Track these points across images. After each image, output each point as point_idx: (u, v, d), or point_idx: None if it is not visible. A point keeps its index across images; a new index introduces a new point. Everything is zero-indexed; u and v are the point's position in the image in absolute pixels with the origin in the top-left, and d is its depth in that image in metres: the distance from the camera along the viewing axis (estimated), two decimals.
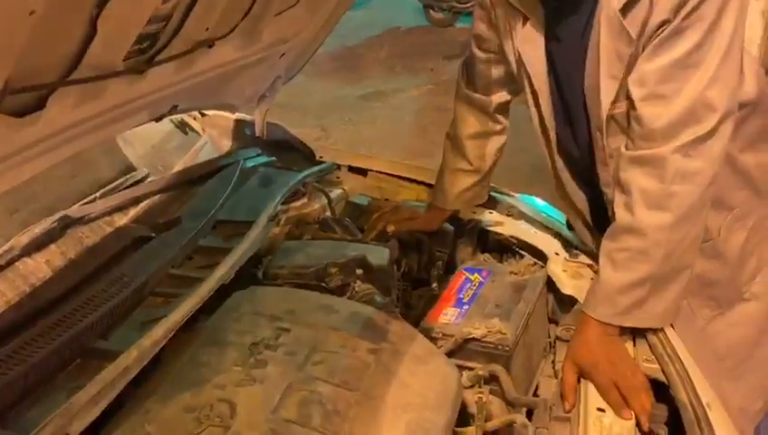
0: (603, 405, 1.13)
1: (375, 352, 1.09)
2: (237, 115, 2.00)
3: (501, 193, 1.76)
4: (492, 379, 1.21)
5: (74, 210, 1.37)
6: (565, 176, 1.39)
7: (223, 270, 1.24)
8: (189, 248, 1.34)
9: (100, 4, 0.83)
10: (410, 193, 1.87)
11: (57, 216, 1.31)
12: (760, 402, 1.46)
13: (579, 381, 1.19)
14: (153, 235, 1.36)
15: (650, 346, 1.22)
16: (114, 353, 1.01)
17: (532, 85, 1.30)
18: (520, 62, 1.31)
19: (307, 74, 1.80)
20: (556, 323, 1.47)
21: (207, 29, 1.15)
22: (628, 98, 1.15)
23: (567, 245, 1.56)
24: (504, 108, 1.54)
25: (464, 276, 1.48)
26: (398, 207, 1.72)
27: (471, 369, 1.23)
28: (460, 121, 1.56)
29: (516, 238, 1.61)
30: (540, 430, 1.12)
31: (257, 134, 1.78)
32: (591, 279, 1.39)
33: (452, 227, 1.68)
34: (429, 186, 1.79)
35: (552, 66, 1.28)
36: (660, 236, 1.14)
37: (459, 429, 1.09)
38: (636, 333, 1.24)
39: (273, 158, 1.88)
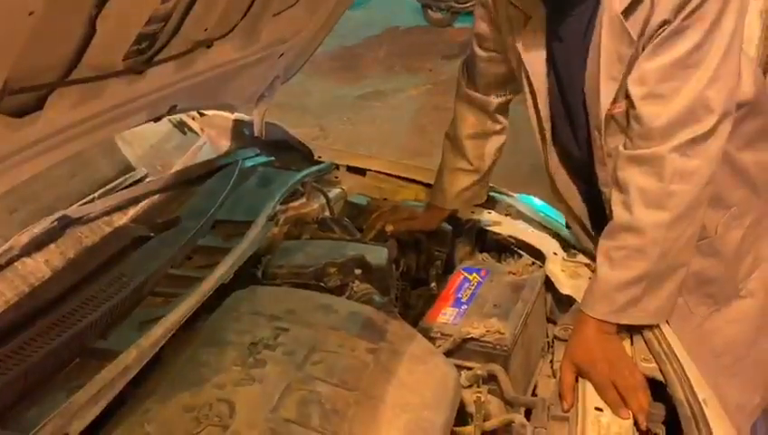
0: (601, 404, 1.13)
1: (374, 351, 1.09)
2: (236, 115, 2.00)
3: (499, 193, 1.77)
4: (490, 378, 1.21)
5: (73, 210, 1.37)
6: (561, 175, 1.39)
7: (222, 270, 1.24)
8: (188, 248, 1.35)
9: (100, 5, 0.83)
10: (409, 193, 1.87)
11: (56, 215, 1.31)
12: (757, 398, 1.47)
13: (577, 381, 1.19)
14: (152, 235, 1.36)
15: (647, 344, 1.22)
16: (113, 353, 1.01)
17: (531, 85, 1.31)
18: (520, 61, 1.31)
19: (306, 74, 1.80)
20: (554, 322, 1.48)
21: (206, 29, 1.15)
22: (628, 97, 1.15)
23: (565, 244, 1.56)
24: (504, 107, 1.54)
25: (462, 276, 1.49)
26: (396, 207, 1.72)
27: (469, 368, 1.23)
28: (460, 121, 1.56)
29: (514, 238, 1.62)
30: (538, 430, 1.12)
31: (256, 134, 1.78)
32: (589, 279, 1.39)
33: (450, 227, 1.68)
34: (428, 185, 1.79)
35: (553, 66, 1.28)
36: (658, 234, 1.14)
37: (457, 428, 1.09)
38: (633, 332, 1.25)
39: (272, 158, 1.88)
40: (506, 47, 1.38)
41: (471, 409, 1.17)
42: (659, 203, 1.13)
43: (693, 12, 1.05)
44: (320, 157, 1.97)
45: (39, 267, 1.22)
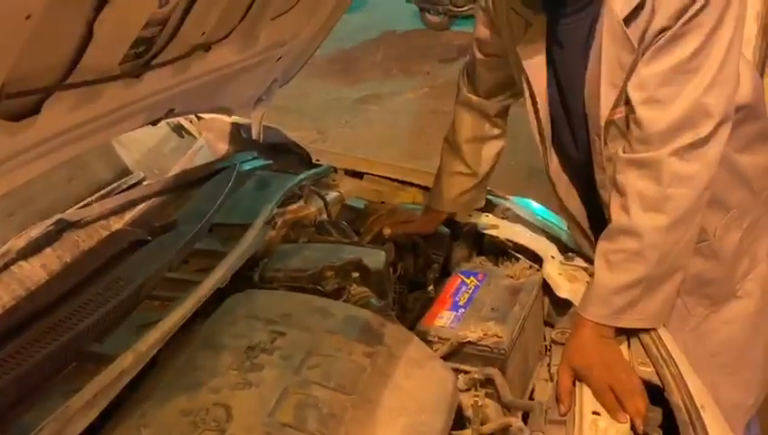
0: (599, 408, 1.13)
1: (371, 355, 1.09)
2: (234, 118, 2.00)
3: (497, 196, 1.77)
4: (487, 382, 1.21)
5: (71, 214, 1.37)
6: (561, 179, 1.40)
7: (219, 274, 1.24)
8: (185, 252, 1.34)
9: (97, 8, 0.83)
10: (406, 196, 1.87)
11: (53, 219, 1.31)
12: (752, 398, 1.48)
13: (574, 385, 1.19)
14: (149, 238, 1.36)
15: (645, 348, 1.22)
16: (110, 357, 1.01)
17: (531, 90, 1.31)
18: (520, 66, 1.32)
19: (304, 77, 1.79)
20: (552, 326, 1.48)
21: (204, 33, 1.15)
22: (628, 102, 1.15)
23: (563, 248, 1.56)
24: (503, 112, 1.55)
25: (459, 280, 1.49)
26: (394, 210, 1.72)
27: (467, 372, 1.23)
28: (459, 125, 1.57)
29: (512, 241, 1.62)
30: (535, 434, 1.12)
31: (254, 137, 1.78)
32: (587, 282, 1.39)
33: (448, 230, 1.68)
34: (425, 189, 1.79)
35: (553, 72, 1.28)
36: (656, 237, 1.14)
37: (455, 432, 1.09)
38: (630, 336, 1.25)
39: (270, 161, 1.88)
40: (507, 52, 1.38)
41: (468, 413, 1.17)
42: (657, 207, 1.14)
43: (692, 18, 1.06)
44: (317, 160, 1.97)
45: (36, 271, 1.22)
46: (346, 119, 5.62)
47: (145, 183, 1.66)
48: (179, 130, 1.95)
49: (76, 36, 0.85)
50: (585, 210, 1.41)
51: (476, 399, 1.19)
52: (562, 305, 1.44)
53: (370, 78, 6.60)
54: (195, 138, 1.97)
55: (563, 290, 1.41)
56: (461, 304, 1.39)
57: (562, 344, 1.33)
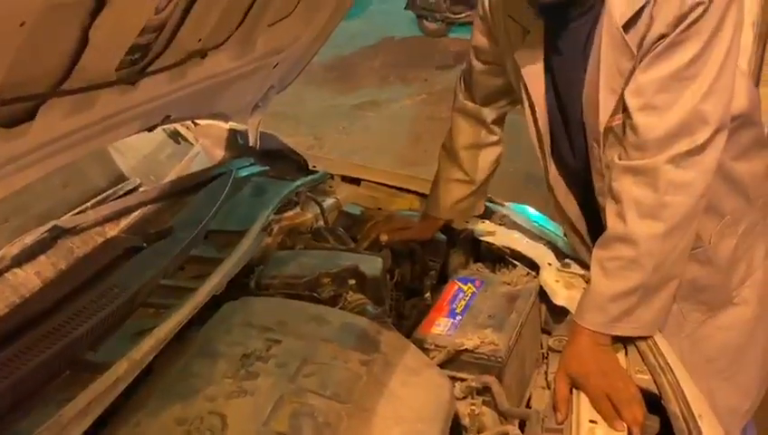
0: (596, 417, 1.12)
1: (367, 363, 1.08)
2: (230, 125, 1.99)
3: (494, 202, 1.77)
4: (484, 390, 1.21)
5: (65, 220, 1.36)
6: (560, 186, 1.40)
7: (214, 281, 1.23)
8: (181, 259, 1.34)
9: (93, 15, 0.82)
10: (403, 202, 1.87)
11: (48, 226, 1.30)
12: (748, 403, 1.48)
13: (571, 393, 1.18)
14: (144, 245, 1.35)
15: (642, 356, 1.22)
16: (104, 365, 1.00)
17: (529, 97, 1.32)
18: (518, 74, 1.32)
19: (301, 83, 1.79)
20: (549, 333, 1.47)
21: (200, 40, 1.15)
22: (625, 109, 1.16)
23: (559, 254, 1.56)
24: (500, 119, 1.55)
25: (456, 286, 1.48)
26: (391, 217, 1.72)
27: (463, 380, 1.22)
28: (456, 132, 1.57)
29: (509, 248, 1.61)
30: None
31: (250, 144, 1.78)
32: (584, 289, 1.39)
33: (445, 237, 1.68)
34: (422, 195, 1.79)
35: (551, 79, 1.28)
36: (652, 245, 1.14)
37: None
38: (627, 344, 1.24)
39: (267, 167, 1.88)
40: (504, 60, 1.38)
41: (465, 421, 1.16)
42: (654, 214, 1.14)
43: (690, 25, 1.06)
44: (314, 166, 1.97)
45: (30, 278, 1.21)
46: (343, 125, 5.63)
47: (141, 189, 1.65)
48: (176, 136, 1.94)
49: (71, 43, 0.85)
50: (584, 217, 1.41)
51: (473, 407, 1.18)
52: (559, 313, 1.44)
53: (368, 84, 6.61)
54: (191, 144, 1.97)
55: (560, 297, 1.41)
56: (458, 311, 1.39)
57: (559, 352, 1.33)
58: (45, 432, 0.88)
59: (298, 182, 1.77)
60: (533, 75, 1.29)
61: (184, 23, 1.03)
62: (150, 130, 1.26)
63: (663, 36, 1.09)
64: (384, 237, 1.59)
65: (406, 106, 6.02)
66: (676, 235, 1.15)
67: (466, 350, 1.26)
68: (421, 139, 5.07)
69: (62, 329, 1.07)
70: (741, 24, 1.11)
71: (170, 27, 1.02)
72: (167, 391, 1.03)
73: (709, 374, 1.37)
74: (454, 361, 1.26)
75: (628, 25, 1.11)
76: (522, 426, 1.17)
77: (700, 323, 1.40)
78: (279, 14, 1.34)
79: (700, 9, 1.05)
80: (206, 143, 1.99)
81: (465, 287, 1.47)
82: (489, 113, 1.53)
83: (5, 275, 1.20)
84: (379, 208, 1.83)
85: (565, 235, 1.57)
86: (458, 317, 1.36)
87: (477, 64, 1.48)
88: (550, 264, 1.52)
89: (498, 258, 1.64)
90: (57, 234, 1.30)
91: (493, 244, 1.64)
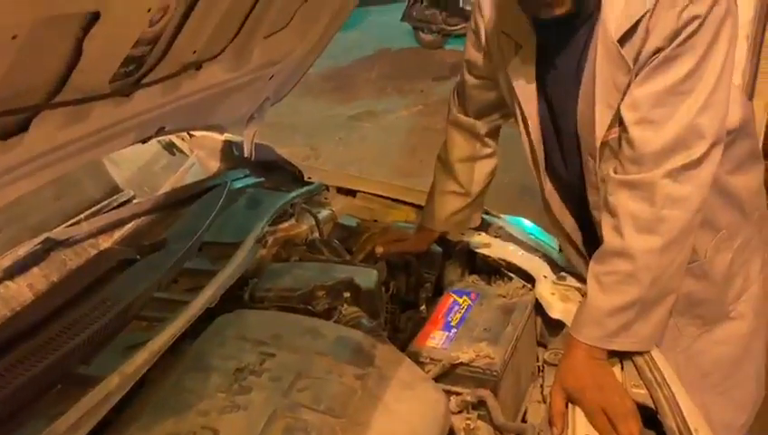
0: (591, 432, 1.12)
1: (361, 377, 1.08)
2: (226, 136, 1.99)
3: (489, 214, 1.76)
4: (480, 404, 1.20)
5: (58, 232, 1.35)
6: (555, 200, 1.39)
7: (208, 293, 1.22)
8: (175, 271, 1.33)
9: (86, 28, 0.82)
10: (399, 214, 1.87)
11: (41, 238, 1.30)
12: (743, 417, 1.47)
13: (567, 407, 1.18)
14: (138, 257, 1.34)
15: (638, 370, 1.21)
16: (96, 379, 0.99)
17: (523, 112, 1.31)
18: (511, 89, 1.32)
19: (298, 94, 1.79)
20: (545, 346, 1.46)
21: (195, 51, 1.14)
22: (621, 122, 1.15)
23: (555, 267, 1.55)
24: (494, 132, 1.55)
25: (452, 299, 1.48)
26: (386, 229, 1.72)
27: (459, 394, 1.22)
28: (451, 145, 1.57)
29: (504, 260, 1.61)
30: None
31: (246, 155, 1.78)
32: (580, 302, 1.38)
33: (440, 249, 1.68)
34: (418, 207, 1.78)
35: (544, 93, 1.28)
36: (649, 259, 1.14)
37: None
38: (623, 358, 1.24)
39: (262, 179, 1.87)
40: (497, 74, 1.38)
41: None
42: (651, 228, 1.13)
43: (687, 39, 1.06)
44: (310, 178, 1.97)
45: (22, 291, 1.20)
46: (340, 136, 5.64)
47: (135, 201, 1.64)
48: (170, 147, 1.94)
49: (65, 55, 0.84)
50: (579, 230, 1.41)
51: (468, 421, 1.17)
52: (555, 326, 1.43)
53: (364, 95, 6.63)
54: (186, 155, 1.96)
55: (556, 310, 1.40)
56: (453, 324, 1.38)
57: (555, 365, 1.32)
58: None
59: (293, 194, 1.76)
60: (526, 90, 1.29)
61: (179, 35, 1.03)
62: (145, 141, 1.25)
63: (659, 50, 1.09)
64: (379, 250, 1.59)
65: (402, 117, 6.04)
66: (674, 249, 1.15)
67: (462, 363, 1.25)
68: (417, 150, 5.07)
69: (54, 342, 1.06)
70: (735, 38, 1.11)
71: (165, 39, 1.02)
72: (159, 405, 1.02)
73: (705, 389, 1.36)
74: (449, 374, 1.26)
75: (624, 39, 1.11)
76: None
77: (696, 337, 1.40)
78: (274, 27, 1.34)
79: (696, 23, 1.05)
80: (201, 154, 1.98)
81: (460, 300, 1.47)
82: (483, 126, 1.53)
83: None
84: (375, 220, 1.83)
85: (560, 248, 1.57)
86: (454, 330, 1.36)
87: (470, 78, 1.48)
88: (545, 276, 1.51)
89: (494, 270, 1.64)
90: (50, 246, 1.29)
91: (488, 256, 1.63)
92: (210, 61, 1.20)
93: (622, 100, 1.14)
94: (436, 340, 1.33)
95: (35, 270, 1.25)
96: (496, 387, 1.22)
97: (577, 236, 1.42)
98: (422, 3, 7.69)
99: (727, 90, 1.12)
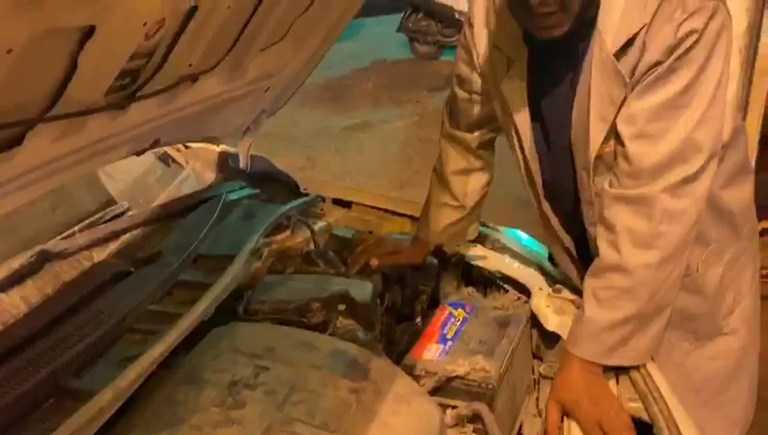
0: None
1: (356, 391, 1.07)
2: (221, 147, 1.99)
3: (485, 226, 1.76)
4: (475, 418, 1.19)
5: (53, 244, 1.34)
6: (551, 215, 1.39)
7: (202, 306, 1.22)
8: (169, 284, 1.33)
9: (82, 42, 0.82)
10: (394, 226, 1.87)
11: (35, 250, 1.29)
12: (736, 432, 1.47)
13: (562, 420, 1.17)
14: (132, 270, 1.34)
15: (633, 384, 1.21)
16: (89, 393, 0.99)
17: (516, 128, 1.31)
18: (504, 104, 1.31)
19: (294, 104, 1.79)
20: (540, 359, 1.46)
21: (191, 64, 1.15)
22: (616, 136, 1.16)
23: (550, 279, 1.55)
24: (487, 145, 1.55)
25: (448, 311, 1.47)
26: (381, 241, 1.71)
27: (454, 407, 1.21)
28: (445, 158, 1.57)
29: (500, 272, 1.61)
30: None
31: (241, 166, 1.78)
32: (575, 314, 1.38)
33: (436, 261, 1.67)
34: (413, 218, 1.78)
35: (538, 109, 1.28)
36: (646, 274, 1.14)
37: None
38: (619, 372, 1.23)
39: (257, 190, 1.87)
40: (488, 89, 1.38)
41: None
42: (648, 244, 1.13)
43: (684, 54, 1.06)
44: (305, 189, 1.96)
45: (15, 303, 1.20)
46: (336, 146, 5.64)
47: (129, 213, 1.64)
48: (166, 159, 1.93)
49: (60, 69, 0.84)
50: (574, 243, 1.40)
51: None
52: (550, 338, 1.43)
53: (360, 106, 6.64)
54: (181, 167, 1.96)
55: (551, 323, 1.40)
56: (449, 336, 1.38)
57: (551, 379, 1.31)
58: None
59: (289, 205, 1.76)
60: (519, 105, 1.29)
61: (174, 48, 1.03)
62: (140, 154, 1.25)
63: (656, 64, 1.09)
64: (374, 262, 1.58)
65: (398, 127, 6.05)
66: (671, 263, 1.15)
67: (457, 376, 1.24)
68: (413, 160, 5.08)
69: (47, 356, 1.06)
70: (730, 52, 1.12)
71: (161, 52, 1.02)
72: (152, 419, 1.01)
73: (698, 404, 1.35)
74: (444, 387, 1.25)
75: (621, 53, 1.11)
76: None
77: (688, 352, 1.40)
78: (270, 40, 1.34)
79: (694, 37, 1.05)
80: (196, 166, 1.98)
81: (456, 312, 1.46)
82: (475, 140, 1.52)
83: None
84: (370, 232, 1.83)
85: (551, 259, 1.57)
86: (449, 343, 1.35)
87: (461, 93, 1.48)
88: (541, 289, 1.51)
89: (489, 282, 1.64)
90: (44, 258, 1.29)
91: (484, 268, 1.63)
92: (206, 73, 1.20)
93: (617, 114, 1.14)
94: (431, 353, 1.33)
95: (29, 282, 1.24)
96: (492, 400, 1.22)
97: (573, 250, 1.41)
98: (418, 14, 7.74)
99: (723, 103, 1.13)
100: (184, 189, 1.85)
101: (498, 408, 1.23)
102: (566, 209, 1.36)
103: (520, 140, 1.32)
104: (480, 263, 1.64)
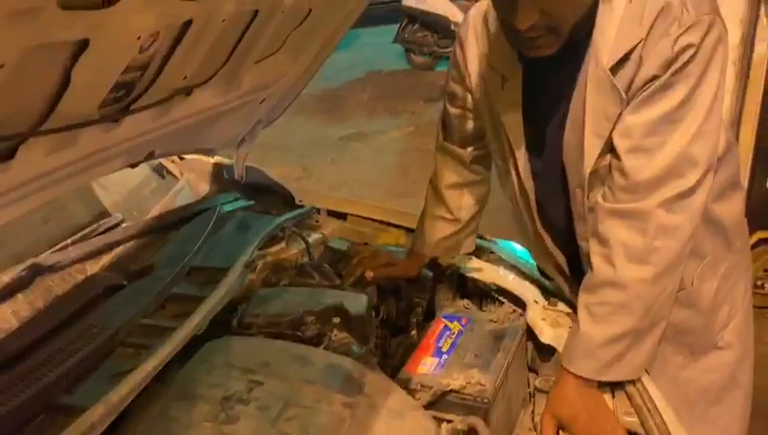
0: None
1: (351, 405, 1.06)
2: (216, 159, 1.99)
3: (480, 238, 1.76)
4: (471, 432, 1.18)
5: (45, 257, 1.33)
6: (543, 232, 1.38)
7: (196, 320, 1.21)
8: (162, 297, 1.32)
9: (75, 56, 0.82)
10: (389, 237, 1.86)
11: (27, 263, 1.28)
12: None
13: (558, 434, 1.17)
14: (125, 283, 1.33)
15: (629, 398, 1.21)
16: (80, 409, 0.98)
17: (510, 145, 1.31)
18: (498, 123, 1.31)
19: (290, 114, 1.79)
20: (536, 372, 1.45)
21: (186, 77, 1.14)
22: (612, 150, 1.15)
23: (545, 292, 1.55)
24: (481, 160, 1.54)
25: (443, 324, 1.46)
26: (376, 253, 1.70)
27: (449, 421, 1.20)
28: (439, 171, 1.57)
29: (495, 285, 1.60)
30: None
31: (236, 177, 1.77)
32: (570, 329, 1.38)
33: (431, 273, 1.67)
34: (409, 230, 1.78)
35: (532, 126, 1.28)
36: (641, 289, 1.13)
37: None
38: (614, 386, 1.23)
39: (252, 202, 1.86)
40: (479, 107, 1.38)
41: None
42: (643, 259, 1.13)
43: (681, 68, 1.06)
44: (300, 200, 1.96)
45: (6, 318, 1.18)
46: (331, 156, 5.65)
47: (123, 225, 1.63)
48: (160, 170, 1.93)
49: (53, 83, 0.84)
50: (567, 260, 1.40)
51: None
52: (546, 351, 1.42)
53: (356, 116, 6.66)
54: (176, 178, 1.96)
55: (547, 336, 1.39)
56: (444, 350, 1.37)
57: (546, 392, 1.31)
58: None
59: (283, 217, 1.76)
60: (514, 125, 1.28)
61: (169, 61, 1.03)
62: (134, 166, 1.25)
63: (652, 78, 1.08)
64: (369, 274, 1.57)
65: (394, 138, 6.07)
66: (665, 278, 1.14)
67: (452, 390, 1.24)
68: (409, 170, 5.09)
69: (38, 371, 1.05)
70: (726, 66, 1.12)
71: (155, 65, 1.02)
72: (144, 434, 1.00)
73: (693, 418, 1.35)
74: (439, 401, 1.24)
75: (616, 68, 1.11)
76: None
77: (683, 366, 1.39)
78: (266, 52, 1.34)
79: (691, 51, 1.05)
80: (191, 177, 1.98)
81: (451, 325, 1.46)
82: (468, 155, 1.52)
83: None
84: (366, 243, 1.82)
85: (541, 271, 1.57)
86: (444, 356, 1.35)
87: (452, 109, 1.47)
88: (536, 301, 1.50)
89: (485, 295, 1.63)
90: (36, 272, 1.28)
91: (479, 280, 1.63)
92: (201, 86, 1.20)
93: (612, 129, 1.14)
94: (426, 366, 1.32)
95: (20, 296, 1.23)
96: (487, 414, 1.21)
97: (565, 266, 1.41)
98: (414, 25, 7.78)
99: (719, 116, 1.13)
100: (178, 201, 1.84)
101: (493, 422, 1.22)
102: (558, 226, 1.35)
103: (514, 158, 1.31)
104: (475, 275, 1.64)
